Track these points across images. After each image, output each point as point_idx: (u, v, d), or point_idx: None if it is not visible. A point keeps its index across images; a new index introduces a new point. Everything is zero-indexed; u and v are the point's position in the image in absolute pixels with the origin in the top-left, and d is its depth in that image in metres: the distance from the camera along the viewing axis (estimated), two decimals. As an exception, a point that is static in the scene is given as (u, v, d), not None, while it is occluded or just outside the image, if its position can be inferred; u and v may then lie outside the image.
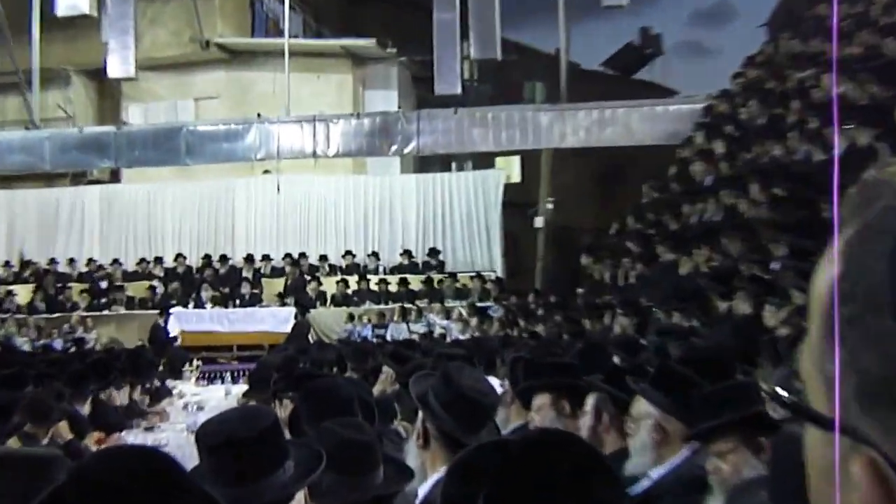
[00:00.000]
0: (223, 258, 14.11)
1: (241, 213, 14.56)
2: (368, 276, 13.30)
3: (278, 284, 13.35)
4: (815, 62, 10.03)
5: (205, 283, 13.24)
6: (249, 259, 13.96)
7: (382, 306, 12.53)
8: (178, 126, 13.99)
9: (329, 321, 12.37)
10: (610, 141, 12.99)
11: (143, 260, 14.39)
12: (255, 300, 12.90)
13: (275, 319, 12.16)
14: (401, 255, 13.99)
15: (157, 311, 12.40)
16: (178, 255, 14.27)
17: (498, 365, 5.18)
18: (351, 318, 12.26)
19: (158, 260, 14.36)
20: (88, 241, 14.50)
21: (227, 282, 13.45)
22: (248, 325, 12.17)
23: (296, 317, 11.95)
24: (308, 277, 13.41)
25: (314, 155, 13.47)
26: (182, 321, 12.24)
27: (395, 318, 12.14)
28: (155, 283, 13.59)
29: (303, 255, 14.16)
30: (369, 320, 12.20)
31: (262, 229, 14.49)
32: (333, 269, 14.00)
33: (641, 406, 2.52)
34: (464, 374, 2.24)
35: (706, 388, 2.33)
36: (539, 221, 14.55)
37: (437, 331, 11.36)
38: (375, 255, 14.15)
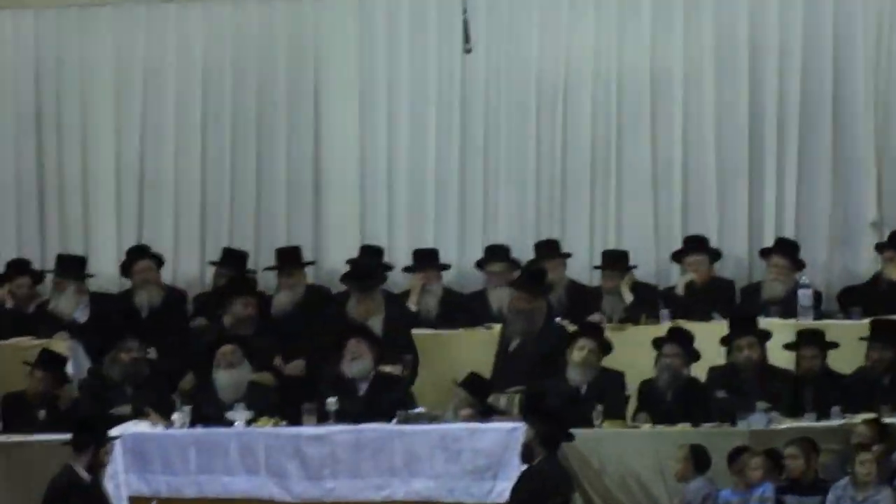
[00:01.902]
0: (288, 256, 12.28)
1: (336, 114, 12.95)
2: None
3: (472, 343, 11.83)
4: None
5: (226, 347, 11.10)
6: (373, 258, 12.25)
7: (826, 423, 10.50)
8: None
9: (643, 461, 10.55)
10: None
11: (19, 266, 12.47)
12: (386, 398, 11.02)
13: (459, 462, 10.42)
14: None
15: (67, 440, 10.06)
16: (135, 253, 12.31)
17: None
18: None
19: (68, 265, 12.37)
20: None
21: (301, 333, 11.91)
22: (368, 479, 10.55)
23: (528, 456, 9.97)
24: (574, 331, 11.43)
25: None
26: (149, 472, 10.74)
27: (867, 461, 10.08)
28: (60, 341, 11.60)
29: (547, 247, 12.12)
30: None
31: (408, 164, 12.95)
32: (644, 297, 11.94)
33: None
34: None
35: None
36: None
37: None
38: (790, 249, 11.84)
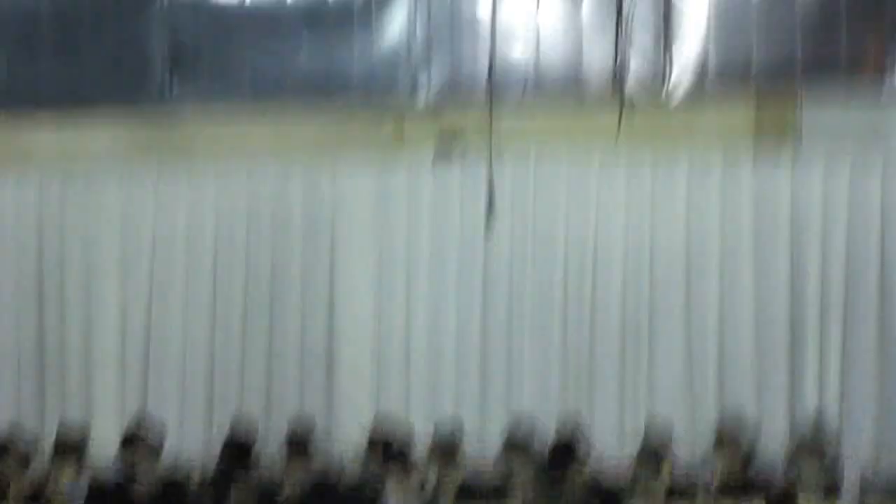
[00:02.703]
0: (296, 442, 11.79)
1: (352, 290, 12.84)
2: None
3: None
4: None
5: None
6: (381, 443, 11.67)
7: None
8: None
9: None
10: None
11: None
12: None
13: None
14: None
15: None
16: (129, 441, 11.92)
17: None
18: None
19: (67, 444, 11.77)
20: None
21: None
22: None
23: None
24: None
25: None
26: None
27: None
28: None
29: (560, 453, 11.83)
30: None
31: (426, 341, 12.63)
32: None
33: None
34: None
35: None
36: None
37: None
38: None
